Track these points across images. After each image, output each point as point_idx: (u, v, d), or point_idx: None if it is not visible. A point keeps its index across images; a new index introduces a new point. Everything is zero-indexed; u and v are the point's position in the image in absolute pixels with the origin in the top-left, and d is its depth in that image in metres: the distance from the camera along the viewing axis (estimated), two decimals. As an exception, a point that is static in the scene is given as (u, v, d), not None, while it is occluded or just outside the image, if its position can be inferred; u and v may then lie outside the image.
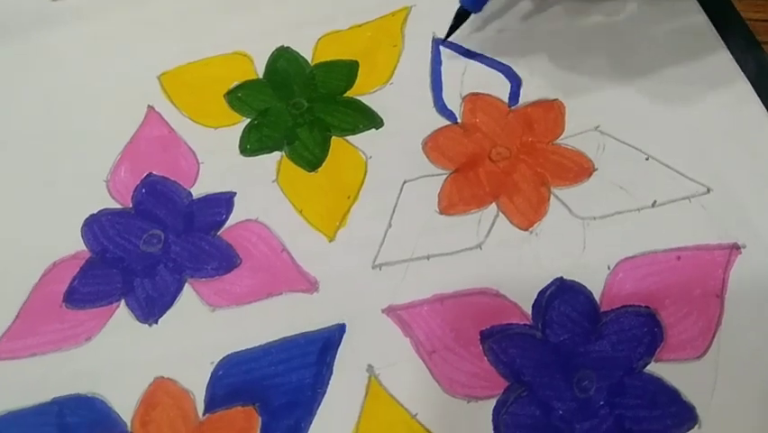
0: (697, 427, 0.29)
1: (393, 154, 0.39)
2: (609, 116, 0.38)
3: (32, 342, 0.35)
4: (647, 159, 0.37)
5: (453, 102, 0.40)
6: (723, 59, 0.40)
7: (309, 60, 0.43)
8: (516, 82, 0.40)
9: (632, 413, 0.30)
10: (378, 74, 0.42)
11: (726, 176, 0.36)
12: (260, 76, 0.43)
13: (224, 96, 0.42)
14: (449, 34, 0.41)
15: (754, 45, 0.39)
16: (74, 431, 0.32)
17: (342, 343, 0.33)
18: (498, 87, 0.40)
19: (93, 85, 0.44)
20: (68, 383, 0.33)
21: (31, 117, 0.43)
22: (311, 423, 0.31)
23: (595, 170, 0.37)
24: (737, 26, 0.40)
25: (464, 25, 0.42)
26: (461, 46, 0.42)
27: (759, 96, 0.38)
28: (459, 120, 0.39)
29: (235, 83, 0.43)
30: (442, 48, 0.42)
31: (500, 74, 0.41)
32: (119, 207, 0.38)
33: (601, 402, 0.30)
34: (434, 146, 0.39)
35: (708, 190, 0.35)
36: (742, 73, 0.39)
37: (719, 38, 0.40)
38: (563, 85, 0.40)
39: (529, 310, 0.33)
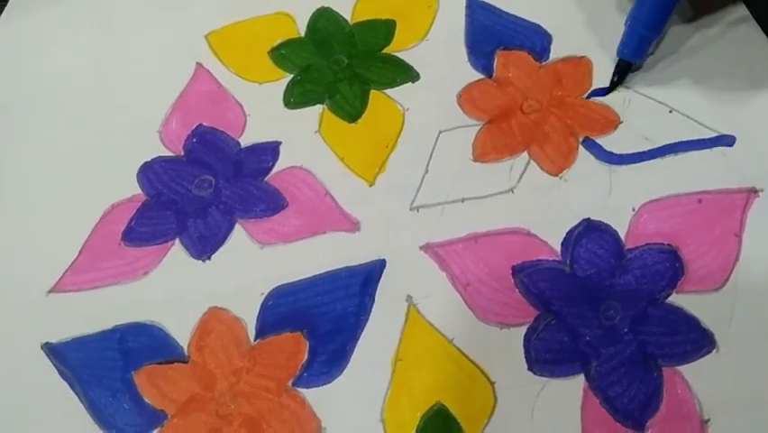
0: (715, 351, 0.31)
1: (429, 106, 0.41)
2: (635, 72, 0.40)
3: (94, 276, 0.37)
4: (671, 111, 0.39)
5: (487, 57, 0.42)
6: (744, 17, 0.41)
7: (348, 20, 0.45)
8: (546, 39, 0.42)
9: (654, 339, 0.32)
10: (414, 31, 0.44)
11: (745, 126, 0.37)
12: (302, 35, 0.45)
13: (269, 53, 0.44)
14: (611, 89, 0.40)
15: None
16: (135, 355, 0.34)
17: (382, 276, 0.35)
18: (529, 43, 0.42)
19: (144, 43, 0.46)
20: (128, 313, 0.35)
21: (86, 75, 0.45)
22: (355, 347, 0.33)
23: (621, 122, 0.39)
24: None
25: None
26: (494, 6, 0.44)
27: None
28: (492, 74, 0.41)
29: (279, 41, 0.45)
30: (475, 6, 0.44)
31: (531, 30, 0.42)
32: (172, 154, 0.41)
33: (625, 330, 0.32)
34: (468, 98, 0.41)
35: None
36: (761, 29, 0.40)
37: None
38: (591, 42, 0.42)
39: (558, 248, 0.35)
